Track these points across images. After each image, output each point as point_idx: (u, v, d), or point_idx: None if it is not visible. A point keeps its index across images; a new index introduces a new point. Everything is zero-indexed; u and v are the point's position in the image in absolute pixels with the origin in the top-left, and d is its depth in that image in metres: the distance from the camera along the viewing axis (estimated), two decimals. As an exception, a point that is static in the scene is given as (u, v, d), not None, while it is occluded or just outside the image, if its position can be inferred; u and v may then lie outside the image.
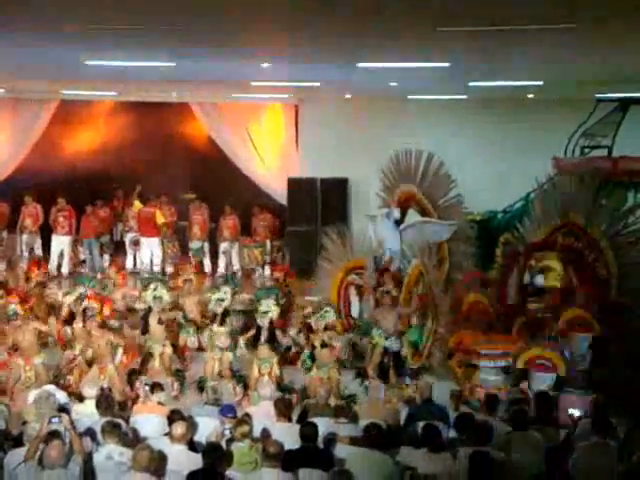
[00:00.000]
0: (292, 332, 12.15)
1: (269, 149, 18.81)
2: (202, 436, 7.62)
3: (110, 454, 6.92)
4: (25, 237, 16.93)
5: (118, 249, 17.58)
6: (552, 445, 7.35)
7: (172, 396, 9.00)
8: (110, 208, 17.88)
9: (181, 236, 17.37)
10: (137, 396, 9.26)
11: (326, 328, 11.17)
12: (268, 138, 18.84)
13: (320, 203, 17.85)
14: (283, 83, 14.63)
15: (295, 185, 17.98)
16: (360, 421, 8.02)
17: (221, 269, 16.84)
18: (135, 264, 16.76)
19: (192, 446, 7.26)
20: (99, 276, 15.11)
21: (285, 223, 18.04)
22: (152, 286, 11.80)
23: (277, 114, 18.83)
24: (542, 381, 9.72)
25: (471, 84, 14.06)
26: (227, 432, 7.46)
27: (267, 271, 16.85)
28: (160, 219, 16.32)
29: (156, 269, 16.07)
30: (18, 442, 7.28)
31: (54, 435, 6.69)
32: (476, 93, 15.68)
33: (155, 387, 8.80)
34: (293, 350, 11.84)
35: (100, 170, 18.03)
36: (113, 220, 17.96)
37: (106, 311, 11.23)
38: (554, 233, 11.41)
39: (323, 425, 7.60)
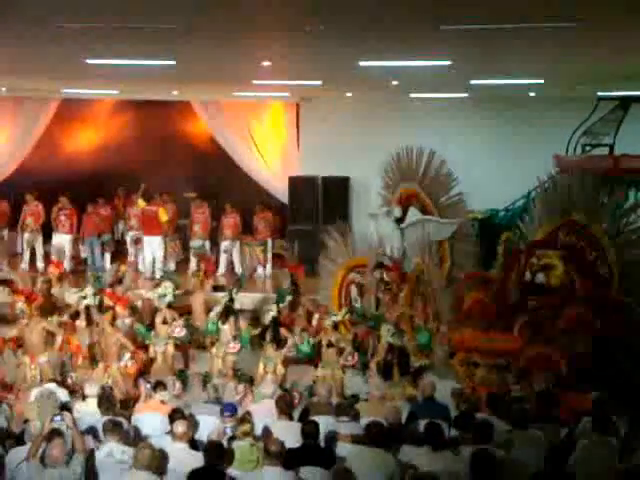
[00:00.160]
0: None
1: (270, 147, 18.82)
2: (203, 434, 7.63)
3: (111, 452, 6.93)
4: (26, 235, 16.93)
5: (119, 248, 17.59)
6: (553, 443, 7.36)
7: (174, 395, 9.00)
8: (111, 207, 17.88)
9: (182, 235, 17.39)
10: (139, 395, 9.28)
11: (335, 328, 11.17)
12: (269, 136, 18.85)
13: (321, 201, 17.86)
14: (284, 81, 14.63)
15: (296, 183, 17.99)
16: (361, 419, 8.02)
17: (222, 268, 16.84)
18: (136, 263, 16.76)
19: (193, 444, 7.27)
20: (104, 273, 15.13)
21: (286, 222, 18.05)
22: (164, 284, 11.92)
23: (278, 112, 18.84)
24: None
25: (472, 82, 14.06)
26: (228, 430, 7.47)
27: (268, 270, 16.88)
28: (164, 217, 16.34)
29: (158, 267, 16.06)
30: (20, 440, 7.30)
31: (56, 433, 6.69)
32: (477, 91, 15.67)
33: (158, 386, 8.82)
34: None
35: (101, 169, 18.04)
36: (114, 219, 17.98)
37: (119, 310, 11.20)
38: (555, 231, 11.42)
39: (324, 423, 7.61)
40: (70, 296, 12.49)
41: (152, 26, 8.20)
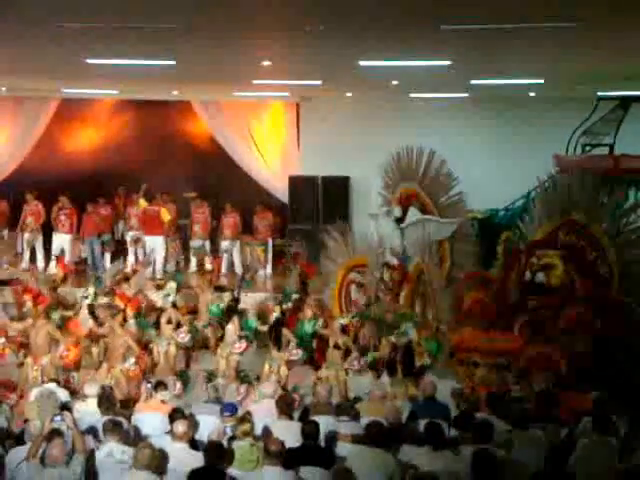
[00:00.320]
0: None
1: (270, 147, 18.83)
2: (203, 434, 7.63)
3: (111, 452, 6.92)
4: (27, 235, 16.93)
5: (119, 248, 17.59)
6: (553, 443, 7.36)
7: (174, 395, 9.00)
8: (111, 206, 17.88)
9: (182, 235, 17.39)
10: (140, 395, 9.28)
11: (343, 330, 11.16)
12: (269, 136, 18.86)
13: (321, 201, 17.88)
14: (284, 81, 14.63)
15: (296, 183, 18.00)
16: (362, 419, 8.02)
17: (222, 268, 16.84)
18: (136, 262, 16.75)
19: (193, 444, 7.27)
20: (104, 273, 15.14)
21: (286, 221, 18.05)
22: (169, 285, 11.93)
23: (278, 112, 18.85)
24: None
25: (473, 82, 14.06)
26: (228, 430, 7.47)
27: (269, 269, 16.89)
28: (166, 217, 16.36)
29: (159, 268, 16.06)
30: (20, 440, 7.30)
31: (56, 433, 6.69)
32: (477, 91, 15.67)
33: (158, 385, 8.82)
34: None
35: (101, 168, 18.03)
36: (114, 218, 17.98)
37: (129, 311, 11.19)
38: (555, 231, 11.41)
39: (324, 423, 7.60)
40: (73, 296, 12.48)
41: (152, 26, 8.20)
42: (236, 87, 16.06)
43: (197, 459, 6.73)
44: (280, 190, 18.41)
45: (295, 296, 12.87)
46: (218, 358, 11.08)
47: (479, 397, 8.95)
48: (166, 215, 16.36)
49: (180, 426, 7.14)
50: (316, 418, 7.72)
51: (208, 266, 16.92)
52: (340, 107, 17.74)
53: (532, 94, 16.30)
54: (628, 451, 7.06)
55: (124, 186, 18.40)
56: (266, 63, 11.39)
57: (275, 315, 11.50)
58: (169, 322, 11.51)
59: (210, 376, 10.57)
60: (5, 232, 17.72)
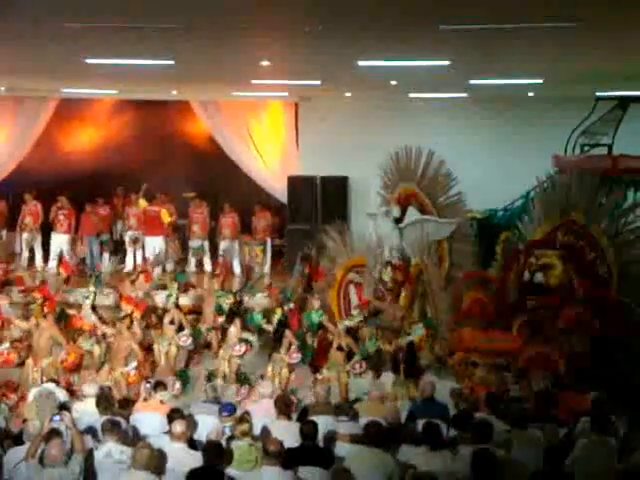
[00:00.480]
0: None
1: (269, 147, 18.82)
2: (202, 434, 7.62)
3: (110, 452, 6.91)
4: (25, 235, 16.95)
5: (118, 247, 17.59)
6: (552, 443, 7.36)
7: (173, 395, 8.99)
8: (110, 206, 17.88)
9: (181, 235, 17.39)
10: (138, 395, 9.27)
11: (347, 332, 11.15)
12: (268, 136, 18.85)
13: (320, 201, 17.87)
14: (283, 81, 14.62)
15: (295, 183, 17.99)
16: (360, 419, 8.02)
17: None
18: (135, 262, 16.75)
19: (192, 444, 7.26)
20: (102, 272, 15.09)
21: (285, 221, 18.05)
22: (171, 285, 11.91)
23: (277, 112, 18.83)
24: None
25: (472, 82, 14.06)
26: (227, 430, 7.47)
27: (267, 269, 16.88)
28: (166, 218, 16.37)
29: (157, 268, 16.05)
30: (18, 440, 7.29)
31: (55, 433, 6.69)
32: (476, 91, 15.68)
33: (158, 385, 8.81)
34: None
35: (100, 168, 18.02)
36: (113, 218, 17.97)
37: (136, 315, 11.15)
38: (554, 231, 11.41)
39: (323, 423, 7.60)
40: (75, 296, 12.45)
41: (151, 26, 8.20)
42: (235, 87, 16.06)
43: (196, 459, 6.73)
44: (279, 190, 18.40)
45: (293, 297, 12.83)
46: (220, 360, 11.07)
47: (478, 397, 8.95)
48: (166, 217, 16.38)
49: (178, 426, 7.13)
50: (315, 418, 7.72)
51: (207, 267, 16.93)
52: (339, 107, 17.73)
53: (531, 94, 16.31)
54: (627, 451, 7.06)
55: (123, 186, 18.40)
56: (265, 63, 11.40)
57: (277, 317, 11.46)
58: (172, 323, 11.50)
59: (210, 376, 10.56)
60: (4, 232, 17.70)
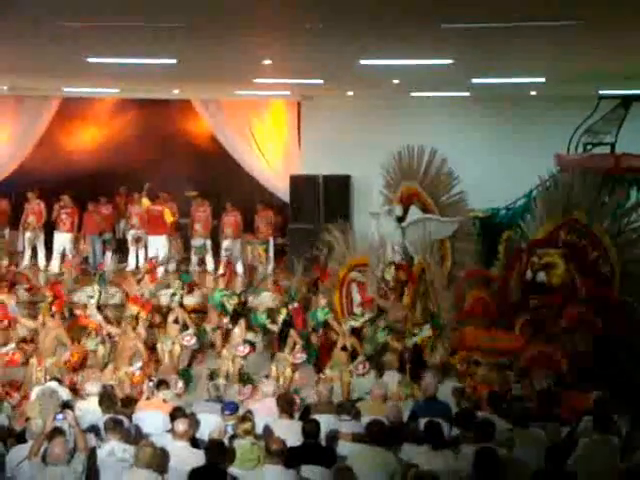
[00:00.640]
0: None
1: (271, 146, 18.83)
2: (204, 433, 7.62)
3: (112, 451, 6.92)
4: (28, 234, 16.98)
5: (120, 246, 17.60)
6: (554, 442, 7.35)
7: (175, 393, 8.99)
8: (113, 205, 17.90)
9: (183, 234, 17.41)
10: (141, 394, 9.28)
11: (353, 332, 11.14)
12: (270, 135, 18.86)
13: (322, 200, 17.87)
14: (286, 80, 14.62)
15: (297, 182, 17.99)
16: (363, 418, 8.02)
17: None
18: (137, 261, 16.77)
19: (194, 443, 7.26)
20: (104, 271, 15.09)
21: (287, 220, 18.05)
22: (175, 284, 11.91)
23: (279, 111, 18.85)
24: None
25: (474, 81, 14.05)
26: (229, 429, 7.47)
27: (270, 269, 16.89)
28: (169, 217, 16.39)
29: (161, 267, 16.05)
30: (21, 439, 7.30)
31: (57, 432, 6.71)
32: (479, 90, 15.67)
33: (160, 384, 8.81)
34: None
35: (102, 167, 18.04)
36: (116, 217, 17.99)
37: (142, 315, 11.15)
38: (556, 230, 11.40)
39: (325, 422, 7.60)
40: (80, 295, 12.43)
41: (153, 25, 8.20)
42: (237, 86, 16.07)
43: (198, 458, 6.74)
44: (281, 189, 18.41)
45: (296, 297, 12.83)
46: (223, 359, 11.07)
47: (480, 396, 8.95)
48: (169, 216, 16.40)
49: (181, 425, 7.14)
50: (317, 417, 7.71)
51: (210, 266, 16.95)
52: (341, 106, 17.73)
53: (533, 93, 16.30)
54: (630, 450, 7.05)
55: (125, 185, 18.41)
56: (267, 62, 11.40)
57: (282, 317, 11.45)
58: (176, 322, 11.51)
59: (212, 375, 10.57)
60: (6, 231, 17.72)
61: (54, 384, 9.13)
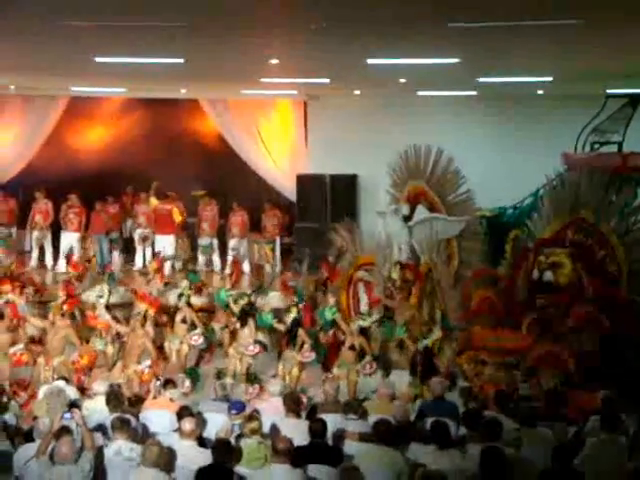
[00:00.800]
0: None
1: (278, 146, 18.85)
2: (211, 432, 7.64)
3: (119, 450, 6.93)
4: (35, 233, 17.01)
5: (127, 246, 17.63)
6: (561, 441, 7.34)
7: (182, 393, 9.00)
8: (120, 205, 17.93)
9: (190, 233, 17.43)
10: (148, 393, 9.29)
11: (361, 332, 11.13)
12: (277, 135, 18.88)
13: (329, 199, 17.88)
14: (292, 79, 14.62)
15: (304, 182, 18.00)
16: (369, 417, 8.01)
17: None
18: (144, 260, 16.80)
19: (201, 442, 7.27)
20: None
21: (294, 219, 18.06)
22: (182, 283, 11.93)
23: (286, 110, 18.86)
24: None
25: (481, 80, 14.03)
26: (236, 428, 7.48)
27: (277, 268, 16.89)
28: (178, 216, 16.41)
29: (168, 266, 16.08)
30: (29, 437, 7.32)
31: (65, 431, 6.72)
32: (486, 89, 15.65)
33: (168, 383, 8.82)
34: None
35: (110, 167, 18.07)
36: (123, 217, 18.02)
37: (150, 312, 11.15)
38: (564, 229, 11.38)
39: (332, 421, 7.60)
40: (89, 295, 12.47)
41: (161, 24, 8.21)
42: (244, 85, 16.08)
43: (205, 457, 6.74)
44: (288, 188, 18.42)
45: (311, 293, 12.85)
46: (230, 358, 11.08)
47: (487, 395, 8.94)
48: (178, 215, 16.43)
49: (188, 424, 7.15)
50: (324, 416, 7.71)
51: (216, 265, 16.97)
52: (348, 105, 17.73)
53: (540, 92, 16.27)
54: (637, 449, 7.04)
55: (132, 184, 18.44)
56: (274, 61, 11.41)
57: (292, 316, 11.44)
58: (184, 321, 11.52)
59: (219, 374, 10.57)
60: (14, 230, 17.77)
61: (62, 383, 9.15)
